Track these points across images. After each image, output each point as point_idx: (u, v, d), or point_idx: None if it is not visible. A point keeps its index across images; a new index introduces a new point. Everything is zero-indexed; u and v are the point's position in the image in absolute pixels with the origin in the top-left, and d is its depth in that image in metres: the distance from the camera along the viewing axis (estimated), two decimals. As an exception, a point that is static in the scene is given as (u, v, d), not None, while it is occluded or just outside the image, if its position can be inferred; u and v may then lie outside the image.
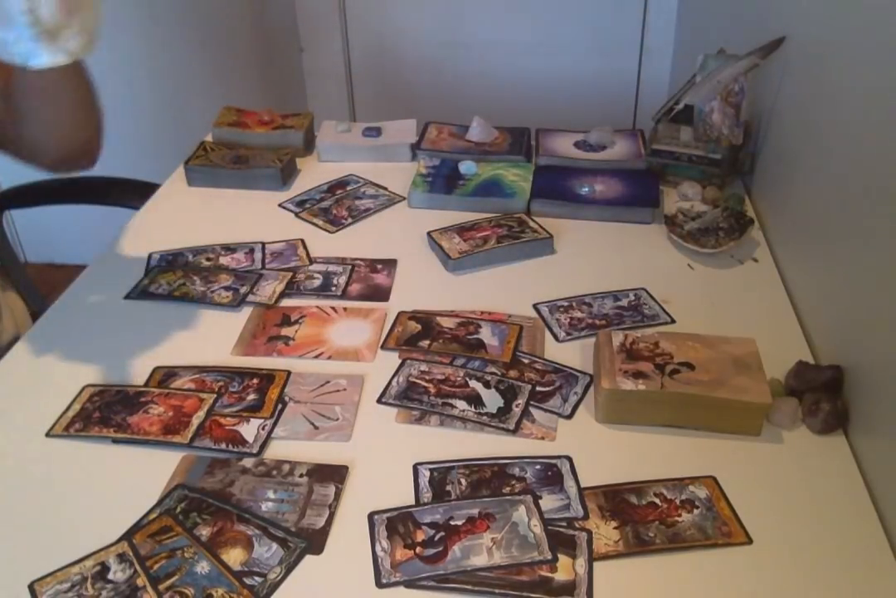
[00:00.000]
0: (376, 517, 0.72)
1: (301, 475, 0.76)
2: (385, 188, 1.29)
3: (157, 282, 1.05)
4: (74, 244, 2.24)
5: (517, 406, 0.84)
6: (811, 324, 0.96)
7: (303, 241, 1.14)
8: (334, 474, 0.77)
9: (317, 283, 1.05)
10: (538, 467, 0.77)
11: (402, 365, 0.90)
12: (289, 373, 0.89)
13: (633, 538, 0.70)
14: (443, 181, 1.26)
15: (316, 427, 0.82)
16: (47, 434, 0.82)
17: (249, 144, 1.37)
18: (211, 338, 0.96)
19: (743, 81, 1.16)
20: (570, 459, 0.78)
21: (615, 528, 0.71)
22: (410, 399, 0.86)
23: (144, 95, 2.19)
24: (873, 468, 0.76)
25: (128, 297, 1.03)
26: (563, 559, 0.68)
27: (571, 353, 0.93)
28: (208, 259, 1.10)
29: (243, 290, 1.03)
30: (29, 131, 0.92)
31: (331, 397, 0.86)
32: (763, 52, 1.15)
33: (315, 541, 0.70)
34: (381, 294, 1.04)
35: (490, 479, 0.76)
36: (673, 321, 0.97)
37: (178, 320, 0.99)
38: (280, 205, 1.24)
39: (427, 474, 0.77)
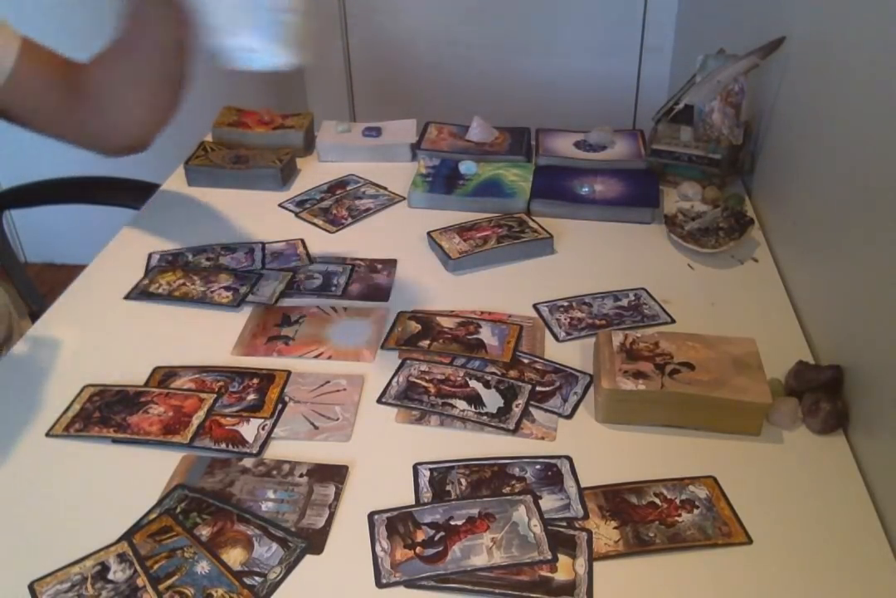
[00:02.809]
0: (376, 517, 0.72)
1: (301, 475, 0.76)
2: (385, 188, 1.29)
3: (157, 282, 1.05)
4: (74, 244, 2.23)
5: (517, 406, 0.84)
6: (811, 324, 0.96)
7: (303, 241, 1.14)
8: (334, 475, 0.77)
9: (317, 283, 1.05)
10: (538, 467, 0.77)
11: (402, 365, 0.90)
12: (289, 373, 0.89)
13: (633, 538, 0.70)
14: (443, 181, 1.26)
15: (316, 427, 0.82)
16: (47, 434, 0.82)
17: (249, 144, 1.37)
18: (211, 338, 0.96)
19: (743, 81, 1.16)
20: (570, 459, 0.78)
21: (615, 528, 0.71)
22: (410, 399, 0.86)
23: (144, 95, 2.19)
24: (873, 468, 0.76)
25: (128, 297, 1.03)
26: (563, 559, 0.68)
27: (571, 353, 0.93)
28: (208, 259, 1.10)
29: (243, 290, 1.03)
30: (104, 118, 0.97)
31: (331, 397, 0.86)
32: (763, 52, 1.15)
33: (315, 541, 0.70)
34: (381, 294, 1.04)
35: (490, 479, 0.76)
36: (673, 321, 0.97)
37: (178, 320, 0.99)
38: (280, 205, 1.24)
39: (427, 474, 0.77)
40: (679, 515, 0.72)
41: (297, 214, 1.22)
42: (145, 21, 0.92)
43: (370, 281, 1.06)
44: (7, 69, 0.91)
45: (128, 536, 0.70)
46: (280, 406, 0.84)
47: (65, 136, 0.99)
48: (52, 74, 0.94)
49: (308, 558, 0.69)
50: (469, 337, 0.94)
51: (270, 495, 0.74)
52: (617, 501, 0.74)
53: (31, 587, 0.66)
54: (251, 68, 0.86)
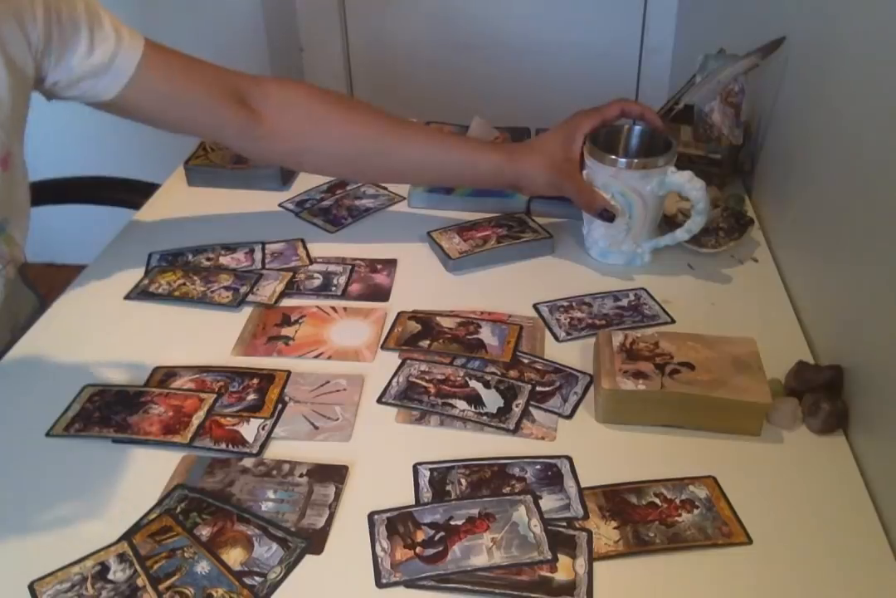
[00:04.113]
0: (376, 516, 0.72)
1: (301, 475, 0.76)
2: (385, 188, 1.29)
3: (157, 282, 1.05)
4: (74, 244, 2.23)
5: (517, 406, 0.84)
6: (811, 324, 0.96)
7: (303, 241, 1.14)
8: (334, 475, 0.77)
9: (317, 283, 1.05)
10: (538, 467, 0.77)
11: (402, 365, 0.90)
12: (289, 373, 0.89)
13: (633, 538, 0.70)
14: (443, 181, 1.26)
15: (316, 427, 0.82)
16: (47, 434, 0.82)
17: (249, 144, 1.36)
18: (211, 338, 0.96)
19: (743, 81, 1.16)
20: (570, 459, 0.78)
21: (615, 528, 0.71)
22: (410, 399, 0.86)
23: (144, 95, 2.19)
24: (873, 468, 0.76)
25: (128, 297, 1.03)
26: (563, 559, 0.68)
27: (571, 353, 0.93)
28: (208, 259, 1.10)
29: (243, 290, 1.03)
30: (273, 156, 1.10)
31: (331, 397, 0.86)
32: (763, 52, 1.15)
33: (315, 541, 0.70)
34: (381, 294, 1.04)
35: (490, 479, 0.76)
36: (673, 321, 0.97)
37: (178, 319, 0.99)
38: (280, 205, 1.24)
39: (427, 474, 0.77)
40: (679, 515, 0.72)
41: (297, 214, 1.22)
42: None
43: (370, 281, 1.06)
44: (129, 72, 0.94)
45: (128, 536, 0.70)
46: (280, 406, 0.84)
47: (202, 137, 1.10)
48: (177, 81, 0.98)
49: (308, 558, 0.69)
50: (469, 337, 0.94)
51: (270, 495, 0.74)
52: (617, 501, 0.74)
53: (31, 587, 0.66)
54: (605, 261, 1.08)
